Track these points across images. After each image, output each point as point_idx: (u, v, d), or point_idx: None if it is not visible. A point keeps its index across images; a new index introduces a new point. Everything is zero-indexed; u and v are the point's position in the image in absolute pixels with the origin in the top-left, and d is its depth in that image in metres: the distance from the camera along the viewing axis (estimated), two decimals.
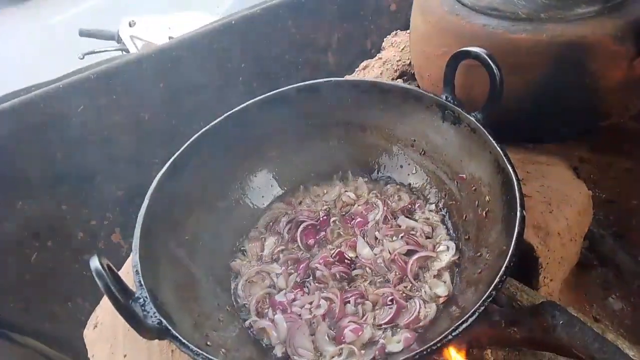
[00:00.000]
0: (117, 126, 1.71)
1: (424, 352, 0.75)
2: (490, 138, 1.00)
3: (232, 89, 1.86)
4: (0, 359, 1.66)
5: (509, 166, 0.94)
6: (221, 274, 1.13)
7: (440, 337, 0.76)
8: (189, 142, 1.14)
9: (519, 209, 0.87)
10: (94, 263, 0.74)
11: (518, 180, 0.91)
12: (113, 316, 1.08)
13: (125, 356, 1.00)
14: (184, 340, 0.79)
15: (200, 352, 0.77)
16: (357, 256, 1.12)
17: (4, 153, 1.52)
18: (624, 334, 1.22)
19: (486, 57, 0.99)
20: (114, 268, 0.83)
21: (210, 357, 0.77)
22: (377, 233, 1.15)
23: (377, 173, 1.29)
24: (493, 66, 0.98)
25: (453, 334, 0.76)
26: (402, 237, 1.12)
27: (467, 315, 0.76)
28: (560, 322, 0.95)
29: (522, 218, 0.86)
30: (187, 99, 1.80)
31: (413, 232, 1.14)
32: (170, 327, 0.80)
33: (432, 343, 0.76)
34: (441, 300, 1.01)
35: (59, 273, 1.73)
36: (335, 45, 1.93)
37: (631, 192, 1.45)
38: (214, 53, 1.79)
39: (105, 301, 1.16)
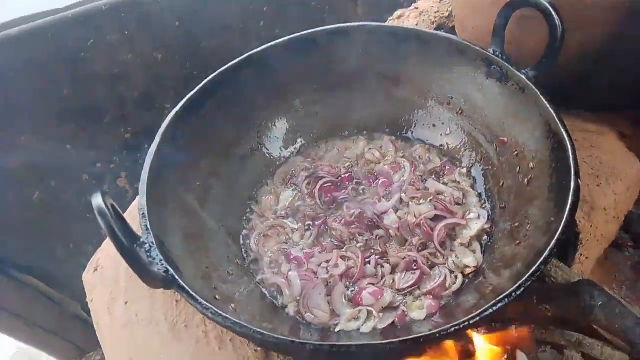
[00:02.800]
0: (129, 65, 1.61)
1: (453, 329, 0.67)
2: (543, 99, 0.90)
3: (252, 34, 1.74)
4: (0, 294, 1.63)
5: (562, 130, 0.84)
6: (233, 226, 1.06)
7: (471, 316, 0.68)
8: (206, 81, 1.05)
9: (573, 177, 0.78)
10: (97, 201, 0.66)
11: (573, 146, 0.82)
12: (115, 261, 1.01)
13: (126, 303, 0.94)
14: (192, 292, 0.72)
15: (210, 306, 0.70)
16: (379, 218, 1.04)
17: (7, 83, 1.42)
18: None
19: (548, 6, 0.87)
20: (119, 209, 0.75)
21: (219, 311, 0.69)
22: (402, 195, 1.06)
23: (407, 132, 1.19)
24: (555, 16, 0.87)
25: (485, 313, 0.68)
26: (430, 200, 1.04)
27: (503, 296, 0.68)
28: (599, 304, 0.88)
29: (577, 189, 0.77)
30: (203, 42, 1.68)
31: (442, 197, 1.05)
32: (177, 277, 0.73)
33: (462, 320, 0.67)
34: (468, 271, 0.94)
35: (61, 214, 1.67)
36: None
37: None
38: None
39: (108, 244, 1.10)
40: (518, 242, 0.87)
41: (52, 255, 1.73)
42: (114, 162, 1.75)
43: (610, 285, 1.21)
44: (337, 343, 0.65)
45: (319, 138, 1.21)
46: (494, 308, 0.68)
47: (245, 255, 1.03)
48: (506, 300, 0.68)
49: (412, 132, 1.18)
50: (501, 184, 1.01)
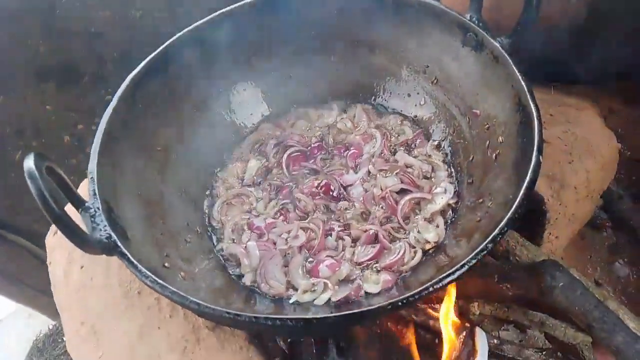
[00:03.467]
0: (106, 22, 1.55)
1: (404, 301, 0.66)
2: (515, 69, 0.85)
3: None
4: None
5: (531, 103, 0.79)
6: (195, 193, 1.03)
7: (422, 287, 0.66)
8: (170, 41, 1.00)
9: (534, 153, 0.74)
10: (28, 163, 0.64)
11: (540, 121, 0.77)
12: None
13: (82, 267, 0.93)
14: (131, 259, 0.70)
15: (148, 273, 0.68)
16: (345, 189, 1.01)
17: None
18: (626, 302, 1.13)
19: None
20: (60, 172, 0.73)
21: (157, 279, 0.68)
22: (370, 167, 1.03)
23: (382, 100, 1.14)
24: None
25: (436, 285, 0.66)
26: (397, 173, 1.01)
27: (455, 267, 0.66)
28: (560, 284, 0.86)
29: (537, 165, 0.73)
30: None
31: (410, 170, 1.02)
32: (119, 243, 0.71)
33: (413, 292, 0.66)
34: (429, 246, 0.91)
35: None
36: None
37: None
38: None
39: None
40: (479, 218, 0.84)
41: (36, 214, 1.73)
42: (95, 124, 1.71)
43: (584, 266, 1.18)
44: (270, 316, 0.63)
45: (290, 104, 1.17)
46: (448, 279, 0.66)
47: (207, 223, 1.01)
48: (460, 270, 0.66)
49: (387, 101, 1.14)
50: (471, 159, 0.97)
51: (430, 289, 0.65)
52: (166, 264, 0.81)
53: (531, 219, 0.96)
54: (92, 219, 0.74)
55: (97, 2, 1.52)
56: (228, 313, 0.65)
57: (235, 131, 1.13)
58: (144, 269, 0.69)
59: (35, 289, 1.86)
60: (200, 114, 1.08)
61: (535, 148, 0.74)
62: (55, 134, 1.67)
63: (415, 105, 1.10)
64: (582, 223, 1.04)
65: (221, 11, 1.05)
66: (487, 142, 0.92)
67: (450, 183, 0.98)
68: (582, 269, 1.17)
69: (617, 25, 0.95)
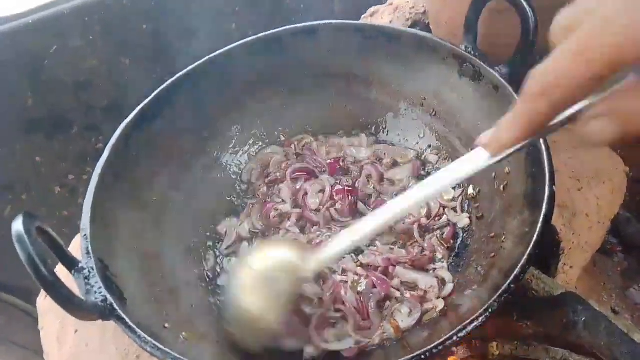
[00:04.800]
0: (95, 71, 1.54)
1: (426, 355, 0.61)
2: (516, 97, 0.83)
3: (224, 36, 1.67)
4: None
5: None
6: (196, 243, 0.99)
7: (444, 339, 0.61)
8: (161, 88, 0.98)
9: (547, 184, 0.71)
10: (16, 227, 0.60)
11: (548, 149, 0.75)
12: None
13: (76, 331, 0.88)
14: (129, 323, 0.65)
15: (149, 339, 0.63)
16: None
17: None
18: None
19: None
20: (50, 232, 0.69)
21: (159, 345, 0.63)
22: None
23: (380, 135, 1.12)
24: (527, 8, 0.80)
25: (459, 334, 0.61)
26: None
27: (477, 314, 0.62)
28: (583, 319, 0.81)
29: (552, 196, 0.70)
30: (174, 45, 1.61)
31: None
32: (116, 306, 0.67)
33: (435, 344, 0.61)
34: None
35: None
36: None
37: None
38: None
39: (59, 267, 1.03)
40: (493, 254, 0.80)
41: (25, 272, 1.66)
42: (86, 173, 1.68)
43: (600, 294, 1.14)
44: None
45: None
46: (472, 325, 0.62)
47: (210, 276, 0.96)
48: (484, 314, 0.62)
49: (386, 135, 1.12)
50: (477, 191, 0.94)
51: (450, 340, 0.61)
52: (166, 325, 0.75)
53: (545, 250, 0.93)
54: (87, 281, 0.70)
55: (85, 52, 1.51)
56: None
57: (233, 173, 1.09)
58: (143, 334, 0.64)
59: (26, 349, 1.77)
60: (197, 159, 1.05)
61: (547, 179, 0.72)
62: (45, 185, 1.63)
63: (415, 139, 1.08)
64: (594, 250, 1.01)
65: (213, 54, 1.03)
66: (494, 174, 0.90)
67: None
68: (597, 298, 1.13)
69: None
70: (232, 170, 1.10)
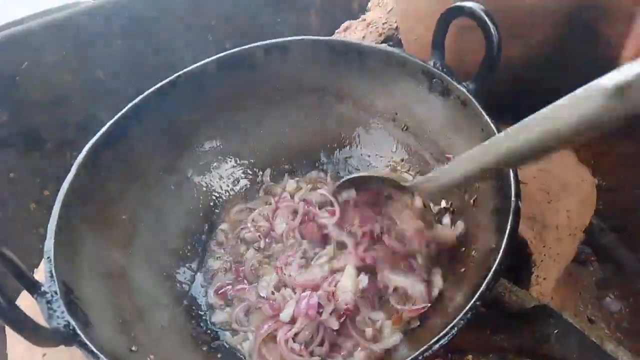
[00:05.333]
0: (68, 87, 1.52)
1: None
2: (483, 112, 0.84)
3: (200, 50, 1.66)
4: None
5: None
6: (166, 264, 0.97)
7: (418, 352, 0.61)
8: (130, 105, 0.97)
9: (513, 199, 0.71)
10: None
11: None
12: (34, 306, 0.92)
13: (44, 355, 0.85)
14: (92, 348, 0.63)
15: None
16: None
17: None
18: (621, 338, 1.09)
19: (482, 14, 0.82)
20: (11, 255, 0.67)
21: None
22: None
23: (351, 149, 1.12)
24: (490, 25, 0.81)
25: (433, 348, 0.61)
26: None
27: (448, 327, 0.62)
28: (555, 332, 0.82)
29: (517, 210, 0.70)
30: (149, 59, 1.61)
31: None
32: (78, 331, 0.65)
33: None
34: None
35: (10, 246, 1.57)
36: (319, 4, 1.73)
37: (635, 179, 1.29)
38: (180, 7, 1.59)
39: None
40: (463, 269, 0.80)
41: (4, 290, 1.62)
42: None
43: (576, 304, 1.15)
44: None
45: (259, 160, 1.14)
46: (441, 341, 0.61)
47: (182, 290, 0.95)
48: (452, 332, 0.62)
49: (357, 150, 1.12)
50: (449, 204, 0.95)
51: (426, 353, 0.61)
52: (133, 348, 0.74)
53: (517, 263, 0.93)
54: (49, 305, 0.68)
55: (58, 67, 1.50)
56: None
57: (204, 192, 1.08)
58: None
59: None
60: (168, 175, 1.03)
61: (513, 193, 0.72)
62: (21, 202, 1.60)
63: (388, 152, 1.08)
64: (567, 260, 1.02)
65: (184, 70, 1.03)
66: (464, 188, 0.90)
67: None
68: (573, 307, 1.13)
69: (577, 62, 0.96)
70: (203, 187, 1.09)
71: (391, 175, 0.90)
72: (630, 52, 0.45)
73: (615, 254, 1.20)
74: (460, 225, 0.88)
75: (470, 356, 0.94)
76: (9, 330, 0.96)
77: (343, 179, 0.92)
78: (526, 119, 0.51)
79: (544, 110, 0.48)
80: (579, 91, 0.42)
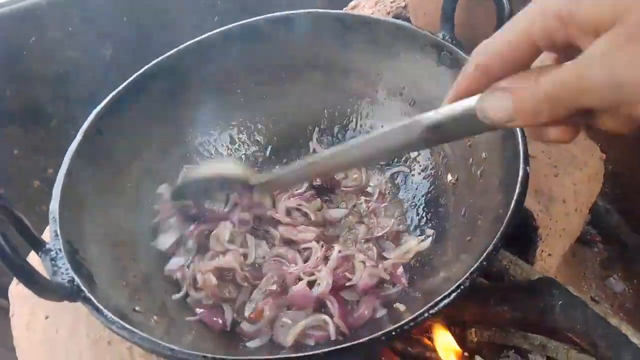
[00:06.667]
0: (74, 63, 1.52)
1: (398, 330, 0.60)
2: None
3: (206, 28, 1.65)
4: None
5: None
6: None
7: (415, 315, 0.61)
8: (137, 74, 0.98)
9: (521, 165, 0.71)
10: None
11: (523, 133, 0.75)
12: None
13: (47, 317, 0.85)
14: (96, 303, 0.64)
15: (115, 319, 0.62)
16: None
17: None
18: (625, 318, 1.09)
19: None
20: (16, 213, 0.67)
21: (126, 325, 0.61)
22: None
23: (358, 124, 1.11)
24: None
25: (431, 311, 0.61)
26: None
27: (448, 290, 0.61)
28: (559, 303, 0.81)
29: (525, 177, 0.70)
30: (154, 36, 1.60)
31: None
32: (82, 287, 0.65)
33: (405, 321, 0.61)
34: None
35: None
36: None
37: None
38: None
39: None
40: (469, 238, 0.80)
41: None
42: None
43: (580, 284, 1.15)
44: (256, 357, 0.57)
45: (264, 137, 1.13)
46: (438, 306, 0.61)
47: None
48: (451, 296, 0.61)
49: (363, 127, 1.11)
50: (455, 178, 0.94)
51: (426, 314, 0.60)
52: (137, 308, 0.74)
53: (522, 236, 0.93)
54: (53, 262, 0.68)
55: (65, 43, 1.49)
56: (205, 358, 0.59)
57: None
58: (109, 314, 0.63)
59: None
60: (173, 148, 1.03)
61: (521, 160, 0.72)
62: (24, 179, 1.60)
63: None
64: (572, 238, 1.01)
65: (190, 42, 1.03)
66: (470, 160, 0.90)
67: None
68: (577, 287, 1.13)
69: None
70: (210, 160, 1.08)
71: (234, 171, 0.84)
72: (450, 95, 0.52)
73: (620, 235, 1.20)
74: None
75: (473, 330, 0.94)
76: (12, 294, 0.96)
77: (178, 184, 0.94)
78: (356, 139, 0.62)
79: (371, 134, 0.60)
80: (406, 122, 0.54)
